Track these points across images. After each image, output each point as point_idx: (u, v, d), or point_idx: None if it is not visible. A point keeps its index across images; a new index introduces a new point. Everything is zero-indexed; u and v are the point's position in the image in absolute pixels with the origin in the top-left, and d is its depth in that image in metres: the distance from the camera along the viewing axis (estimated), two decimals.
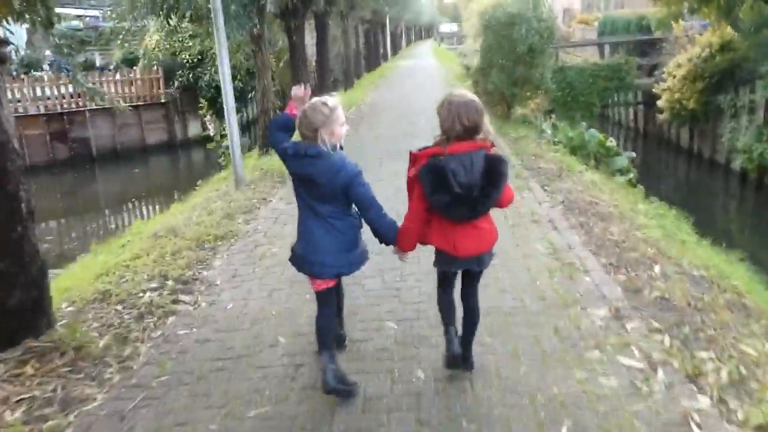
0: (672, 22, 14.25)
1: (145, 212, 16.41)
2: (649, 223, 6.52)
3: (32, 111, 18.31)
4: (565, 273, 4.84)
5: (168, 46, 21.32)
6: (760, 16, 12.25)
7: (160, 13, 9.64)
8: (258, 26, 10.69)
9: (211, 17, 8.30)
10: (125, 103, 20.01)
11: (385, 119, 14.38)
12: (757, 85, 12.94)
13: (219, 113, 19.23)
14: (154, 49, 22.15)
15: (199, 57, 20.18)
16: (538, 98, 13.84)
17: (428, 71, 29.34)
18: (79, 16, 32.42)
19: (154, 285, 5.11)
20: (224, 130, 14.68)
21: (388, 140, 11.55)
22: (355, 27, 27.68)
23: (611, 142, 11.80)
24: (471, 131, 3.00)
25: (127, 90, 20.30)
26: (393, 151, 10.12)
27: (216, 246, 6.14)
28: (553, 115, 15.76)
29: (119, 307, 4.70)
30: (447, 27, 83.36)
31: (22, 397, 3.51)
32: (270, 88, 11.44)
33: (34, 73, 21.37)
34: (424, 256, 3.99)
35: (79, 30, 30.16)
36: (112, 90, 19.82)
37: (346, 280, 3.88)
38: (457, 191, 2.97)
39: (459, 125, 2.97)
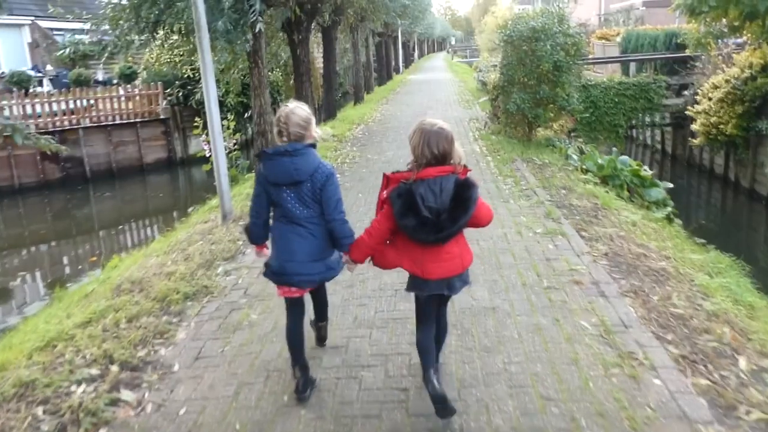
0: (711, 42, 13.02)
1: (138, 237, 15.41)
2: (711, 284, 5.32)
3: None
4: (626, 370, 3.66)
5: (169, 59, 20.40)
6: None
7: (145, 29, 8.64)
8: (251, 43, 9.63)
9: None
10: (122, 119, 19.24)
11: (396, 140, 13.26)
12: None
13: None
14: (155, 63, 21.25)
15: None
16: (562, 119, 12.68)
17: (442, 86, 28.26)
18: (84, 30, 31.83)
19: (93, 372, 3.98)
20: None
21: (400, 167, 10.40)
22: (366, 39, 26.70)
23: (646, 171, 10.61)
24: (440, 159, 3.12)
25: (124, 106, 19.30)
26: None
27: (184, 309, 5.02)
28: (576, 137, 14.60)
29: (39, 411, 3.57)
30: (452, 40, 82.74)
31: None
32: (268, 107, 10.39)
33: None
34: None
35: (83, 44, 29.46)
36: (108, 107, 18.85)
37: None
38: (425, 215, 3.06)
39: (429, 153, 3.10)
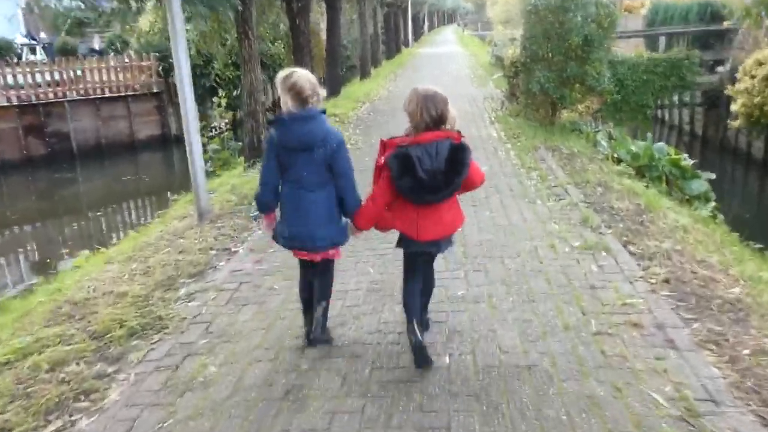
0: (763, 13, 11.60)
1: (129, 219, 14.39)
2: None
3: (2, 102, 16.11)
4: None
5: (164, 27, 19.09)
6: None
7: None
8: (241, 10, 8.39)
9: None
10: (112, 92, 18.01)
11: (405, 122, 12.00)
12: None
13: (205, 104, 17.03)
14: (148, 31, 19.94)
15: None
16: (589, 100, 11.40)
17: (453, 60, 26.85)
18: None
19: None
20: (212, 129, 12.60)
21: None
22: (374, 10, 25.27)
23: (686, 160, 9.38)
24: (438, 121, 3.23)
25: (114, 78, 18.05)
26: None
27: (126, 352, 3.89)
28: (601, 119, 13.31)
29: None
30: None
31: None
32: (259, 84, 9.17)
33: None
34: None
35: (78, 10, 28.18)
36: (96, 78, 17.62)
37: None
38: (421, 176, 3.16)
39: (428, 116, 3.21)
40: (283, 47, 20.32)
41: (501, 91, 15.29)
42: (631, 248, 5.16)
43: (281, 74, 3.41)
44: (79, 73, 17.57)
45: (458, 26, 78.43)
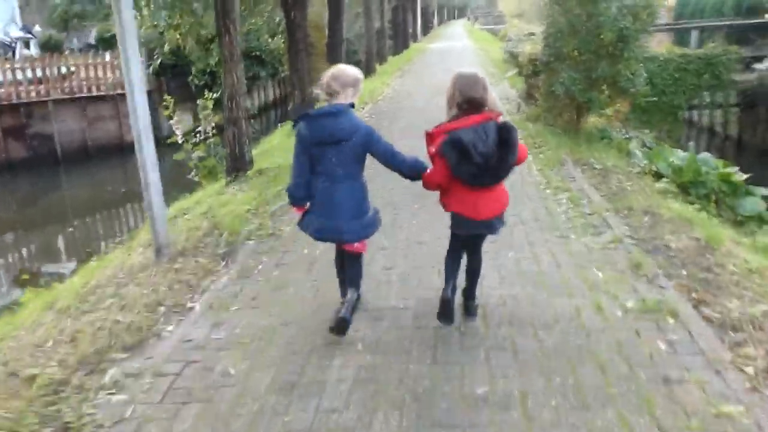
0: None
1: (115, 226, 13.37)
2: None
3: None
4: None
5: (156, 23, 17.94)
6: None
7: None
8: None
9: None
10: (99, 91, 16.86)
11: (410, 127, 10.76)
12: None
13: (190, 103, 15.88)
14: (140, 26, 18.80)
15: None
16: (619, 104, 10.12)
17: (464, 56, 25.58)
18: None
19: None
20: (196, 134, 11.44)
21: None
22: (381, 3, 24.02)
23: (738, 175, 8.10)
24: (480, 103, 3.33)
25: (102, 75, 16.89)
26: (419, 193, 6.40)
27: None
28: (631, 124, 12.02)
29: None
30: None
31: None
32: (242, 86, 7.96)
33: None
34: None
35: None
36: (82, 75, 16.47)
37: None
38: (478, 161, 3.25)
39: (470, 98, 3.31)
40: (283, 42, 19.16)
41: (516, 92, 14.02)
42: (706, 311, 3.91)
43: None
44: (64, 70, 16.41)
45: (468, 20, 77.04)
